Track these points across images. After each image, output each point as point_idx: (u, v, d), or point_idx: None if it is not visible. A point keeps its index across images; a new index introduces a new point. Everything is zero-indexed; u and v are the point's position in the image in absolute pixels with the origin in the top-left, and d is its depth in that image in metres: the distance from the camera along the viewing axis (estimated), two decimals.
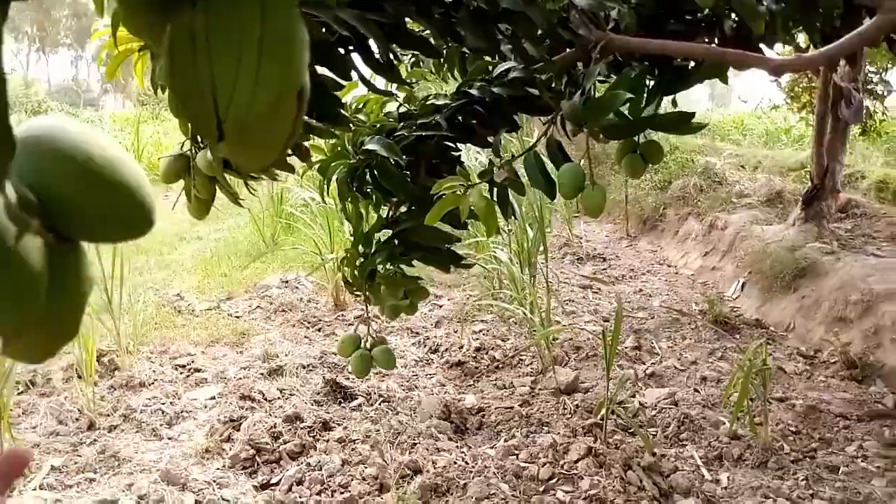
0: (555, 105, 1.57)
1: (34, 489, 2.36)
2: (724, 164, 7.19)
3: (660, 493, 2.33)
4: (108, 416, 2.91)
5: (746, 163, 7.42)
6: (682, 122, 1.55)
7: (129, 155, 0.46)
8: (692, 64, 1.71)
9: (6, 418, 2.41)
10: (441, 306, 4.53)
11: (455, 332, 3.94)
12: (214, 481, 2.41)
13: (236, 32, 0.35)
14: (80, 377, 3.06)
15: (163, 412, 2.92)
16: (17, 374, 3.03)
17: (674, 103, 1.94)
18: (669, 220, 6.35)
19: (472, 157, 4.64)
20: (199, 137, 1.49)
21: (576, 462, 2.46)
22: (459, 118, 1.79)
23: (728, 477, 2.44)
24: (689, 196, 6.32)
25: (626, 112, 1.54)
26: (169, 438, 2.75)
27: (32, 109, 13.13)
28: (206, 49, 0.35)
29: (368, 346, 1.86)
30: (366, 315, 1.98)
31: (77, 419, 2.90)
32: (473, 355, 3.57)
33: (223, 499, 2.32)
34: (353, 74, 1.47)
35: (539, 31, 1.50)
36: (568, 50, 1.57)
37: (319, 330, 4.18)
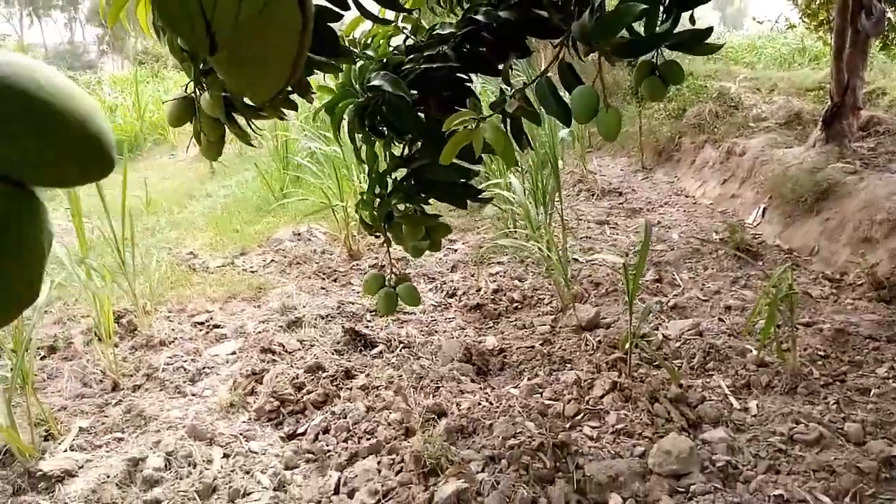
0: (565, 26, 1.48)
1: (65, 450, 2.38)
2: (738, 88, 6.98)
3: (688, 423, 2.31)
4: (132, 376, 2.92)
5: (762, 85, 7.19)
6: (697, 41, 1.45)
7: (80, 88, 0.39)
8: None
9: (30, 383, 2.41)
10: (455, 250, 4.48)
11: (472, 275, 3.89)
12: (241, 434, 2.42)
13: None
14: (100, 339, 3.06)
15: (185, 369, 2.93)
16: (37, 340, 3.04)
17: (691, 21, 1.84)
18: (685, 150, 6.20)
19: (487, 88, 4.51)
20: (202, 81, 1.43)
21: (601, 397, 2.44)
22: (467, 46, 1.70)
23: (757, 405, 2.40)
24: (704, 123, 6.15)
25: (639, 30, 1.45)
26: (193, 395, 2.75)
27: None
28: None
29: (392, 283, 1.83)
30: (387, 255, 1.94)
31: (101, 381, 2.91)
32: (492, 297, 3.53)
33: (251, 451, 2.33)
34: (350, 4, 1.38)
35: None
36: None
37: (335, 280, 4.15)
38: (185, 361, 3.00)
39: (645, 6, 1.31)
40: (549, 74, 1.48)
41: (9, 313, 0.37)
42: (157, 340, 3.18)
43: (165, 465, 2.20)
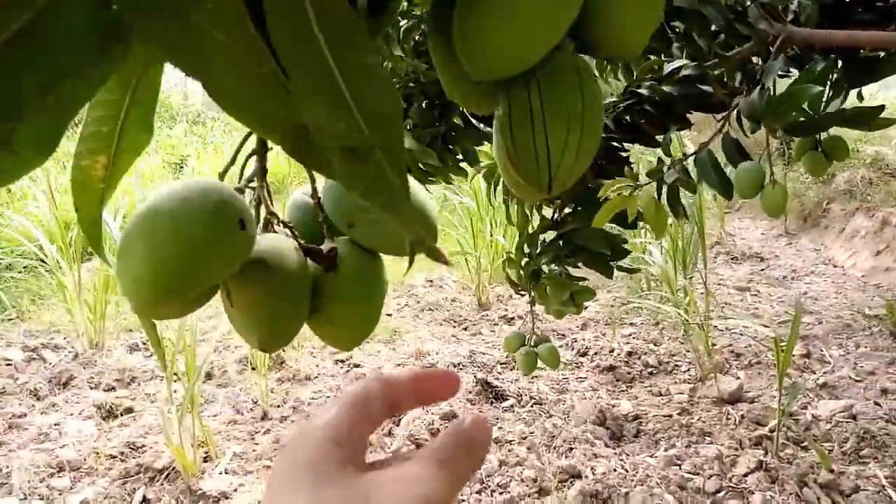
0: (730, 101, 1.51)
1: (220, 472, 2.59)
2: (895, 153, 6.55)
3: None
4: (279, 406, 3.13)
5: None
6: (871, 117, 1.44)
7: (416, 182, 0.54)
8: (881, 54, 1.59)
9: (197, 408, 2.65)
10: (586, 307, 4.46)
11: (603, 334, 3.87)
12: None
13: (564, 109, 0.44)
14: (253, 369, 3.31)
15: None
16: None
17: (859, 97, 1.81)
18: (834, 216, 5.87)
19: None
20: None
21: (745, 476, 2.35)
22: (627, 118, 1.76)
23: None
24: (856, 190, 5.81)
25: (805, 107, 1.45)
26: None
27: (192, 119, 14.38)
28: (542, 123, 0.44)
29: (533, 343, 1.88)
30: (531, 314, 2.00)
31: (251, 409, 3.14)
32: (625, 360, 3.49)
33: None
34: None
35: (713, 27, 1.45)
36: (744, 45, 1.50)
37: (465, 329, 4.25)
38: (327, 397, 3.17)
39: (820, 88, 1.32)
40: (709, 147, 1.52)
41: (356, 343, 0.55)
42: (302, 375, 3.40)
43: None
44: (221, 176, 0.51)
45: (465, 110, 1.61)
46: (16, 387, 3.41)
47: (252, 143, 0.53)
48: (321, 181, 0.56)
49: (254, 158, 0.53)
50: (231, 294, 0.50)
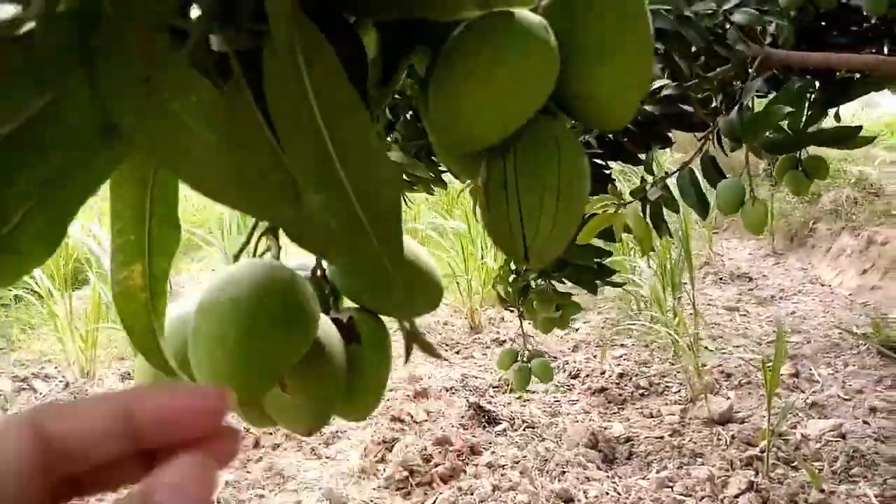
0: (710, 121, 1.56)
1: (213, 502, 2.57)
2: (880, 172, 6.64)
3: None
4: (272, 434, 3.12)
5: None
6: (849, 136, 1.48)
7: (417, 244, 0.56)
8: (856, 76, 1.64)
9: None
10: (577, 329, 4.48)
11: (594, 356, 3.89)
12: (372, 501, 2.52)
13: (539, 181, 0.44)
14: None
15: (321, 432, 3.09)
16: None
17: (836, 118, 1.86)
18: (820, 236, 5.94)
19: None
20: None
21: (736, 497, 2.36)
22: (610, 136, 1.80)
23: None
24: (841, 209, 5.88)
25: (786, 127, 1.49)
26: (327, 458, 2.90)
27: None
28: (516, 193, 0.44)
29: (526, 359, 1.90)
30: (521, 329, 2.01)
31: (243, 436, 3.13)
32: (616, 381, 3.50)
33: None
34: None
35: (693, 49, 1.49)
36: (723, 66, 1.55)
37: (458, 353, 4.26)
38: None
39: (789, 109, 1.37)
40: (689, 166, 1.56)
41: (370, 413, 0.55)
42: None
43: None
44: (236, 257, 0.50)
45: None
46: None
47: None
48: None
49: (265, 237, 0.52)
50: (286, 383, 0.47)
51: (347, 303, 0.57)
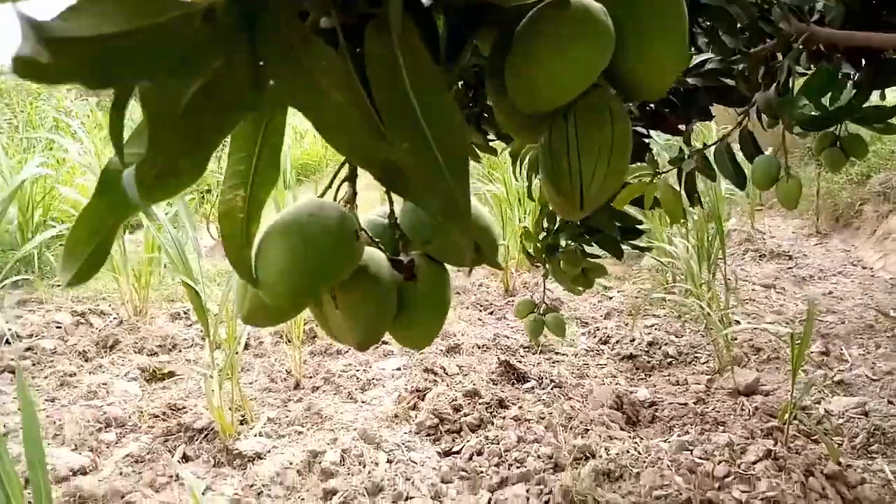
0: (751, 96, 1.59)
1: (255, 435, 2.76)
2: None
3: (843, 502, 2.26)
4: (311, 377, 3.29)
5: None
6: (885, 117, 1.50)
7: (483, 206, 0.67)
8: None
9: (236, 374, 2.82)
10: (611, 298, 4.55)
11: (626, 324, 3.96)
12: (403, 444, 2.67)
13: (596, 139, 0.54)
14: (288, 341, 3.48)
15: (357, 378, 3.25)
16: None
17: (882, 97, 1.86)
18: (867, 218, 5.84)
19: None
20: None
21: (753, 463, 2.43)
22: (651, 106, 1.85)
23: None
24: (891, 192, 5.76)
25: (825, 104, 1.52)
26: (363, 402, 3.06)
27: None
28: (577, 148, 0.54)
29: (542, 311, 1.98)
30: (543, 284, 2.09)
31: (285, 379, 3.31)
32: (646, 349, 3.58)
33: (411, 460, 2.57)
34: None
35: (738, 25, 1.52)
36: (768, 41, 1.58)
37: (491, 313, 4.37)
38: (357, 371, 3.33)
39: (822, 89, 1.40)
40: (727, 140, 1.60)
41: (428, 344, 0.64)
42: (334, 349, 3.55)
43: (340, 461, 2.50)
44: (320, 198, 0.61)
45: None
46: (66, 348, 3.63)
47: (345, 170, 0.62)
48: (397, 204, 0.65)
49: (346, 184, 0.62)
50: (337, 298, 0.57)
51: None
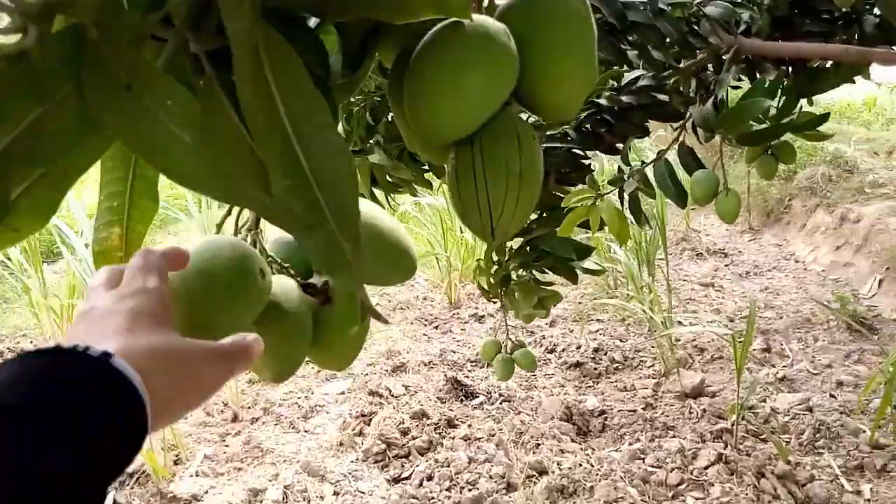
0: (685, 110, 1.57)
1: (191, 475, 2.60)
2: (854, 150, 6.73)
3: (796, 502, 2.26)
4: (250, 408, 3.14)
5: (879, 148, 6.91)
6: (820, 124, 1.51)
7: (396, 221, 0.63)
8: (829, 64, 1.66)
9: None
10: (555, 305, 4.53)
11: (571, 331, 3.94)
12: (350, 473, 2.56)
13: (503, 168, 0.50)
14: None
15: (298, 406, 3.12)
16: None
17: (809, 102, 1.88)
18: (796, 213, 6.03)
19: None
20: None
21: (705, 468, 2.43)
22: (587, 126, 1.81)
23: (871, 489, 2.32)
24: (816, 186, 5.97)
25: (761, 117, 1.51)
26: (305, 431, 2.93)
27: None
28: (484, 178, 0.49)
29: (509, 349, 1.92)
30: (504, 321, 2.04)
31: (222, 411, 3.15)
32: (592, 356, 3.56)
33: (359, 490, 2.46)
34: None
35: (668, 40, 1.50)
36: (698, 54, 1.56)
37: (436, 328, 4.30)
38: (298, 398, 3.20)
39: (769, 102, 1.39)
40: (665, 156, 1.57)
41: (349, 364, 0.64)
42: None
43: (283, 498, 2.37)
44: (219, 227, 0.57)
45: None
46: None
47: None
48: None
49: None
50: None
51: None
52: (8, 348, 3.92)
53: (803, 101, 1.76)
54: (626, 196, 1.68)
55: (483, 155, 0.49)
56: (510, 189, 0.49)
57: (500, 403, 3.11)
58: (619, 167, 1.72)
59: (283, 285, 0.57)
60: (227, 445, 2.84)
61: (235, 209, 0.59)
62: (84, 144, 0.32)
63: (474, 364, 3.60)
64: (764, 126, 1.46)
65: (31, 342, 4.03)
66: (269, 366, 0.57)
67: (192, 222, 4.81)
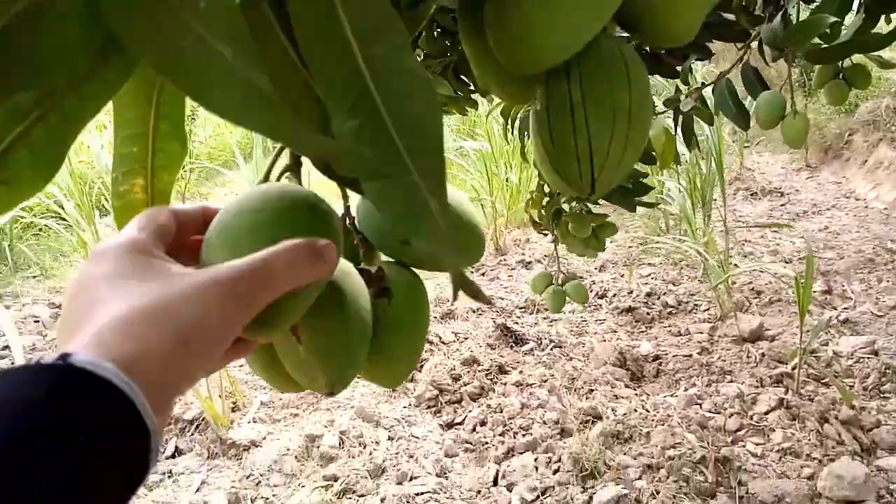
0: (751, 31, 1.46)
1: (249, 422, 2.65)
2: None
3: (861, 448, 2.19)
4: None
5: None
6: (889, 42, 1.38)
7: (465, 195, 0.52)
8: None
9: None
10: (604, 248, 4.44)
11: (621, 275, 3.86)
12: (404, 419, 2.58)
13: (609, 104, 0.40)
14: None
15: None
16: None
17: (888, 20, 1.73)
18: (856, 148, 5.74)
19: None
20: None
21: (765, 414, 2.36)
22: (647, 48, 1.71)
23: None
24: (879, 120, 5.65)
25: (828, 32, 1.40)
26: (358, 377, 2.95)
27: None
28: (584, 118, 0.40)
29: (560, 282, 1.87)
30: (555, 252, 1.97)
31: None
32: (644, 301, 3.49)
33: (413, 436, 2.48)
34: None
35: None
36: None
37: (483, 275, 4.26)
38: None
39: (833, 19, 1.28)
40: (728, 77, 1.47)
41: (404, 379, 0.51)
42: None
43: (339, 444, 2.40)
44: (266, 176, 0.45)
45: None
46: (45, 343, 3.49)
47: (285, 157, 0.46)
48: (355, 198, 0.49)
49: (286, 175, 0.46)
50: (300, 328, 0.43)
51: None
52: None
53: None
54: (680, 119, 1.59)
55: (583, 87, 0.40)
56: (617, 130, 0.40)
57: (551, 349, 3.07)
58: (677, 86, 1.62)
59: (342, 265, 0.44)
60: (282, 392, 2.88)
61: (272, 177, 0.45)
62: (96, 67, 0.25)
63: (523, 310, 3.56)
64: (833, 43, 1.34)
65: None
66: (325, 370, 0.44)
67: (238, 175, 4.82)
